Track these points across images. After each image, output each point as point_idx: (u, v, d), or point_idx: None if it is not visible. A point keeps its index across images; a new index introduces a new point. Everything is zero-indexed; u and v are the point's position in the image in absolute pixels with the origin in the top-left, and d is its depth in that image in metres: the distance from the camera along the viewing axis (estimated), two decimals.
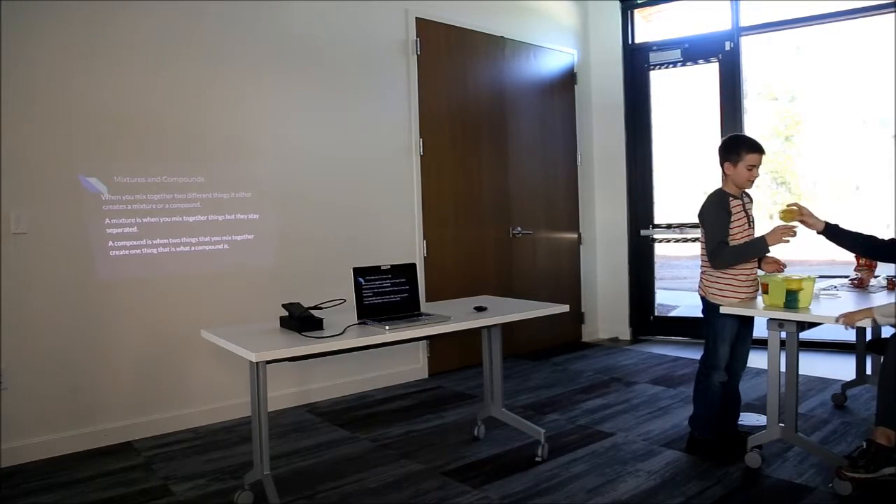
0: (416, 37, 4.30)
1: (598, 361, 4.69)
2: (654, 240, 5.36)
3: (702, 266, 2.84)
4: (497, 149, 4.79)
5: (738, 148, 2.71)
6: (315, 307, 2.55)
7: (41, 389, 2.99)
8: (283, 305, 2.46)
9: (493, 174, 4.76)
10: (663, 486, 2.52)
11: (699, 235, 2.85)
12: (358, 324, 2.43)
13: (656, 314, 5.48)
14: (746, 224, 2.75)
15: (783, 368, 2.58)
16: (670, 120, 5.65)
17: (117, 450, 3.08)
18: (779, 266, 2.76)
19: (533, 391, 3.94)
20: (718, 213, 2.71)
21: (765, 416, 2.71)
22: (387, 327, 2.35)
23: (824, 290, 2.95)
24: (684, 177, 6.11)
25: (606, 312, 5.55)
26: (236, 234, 3.56)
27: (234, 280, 3.53)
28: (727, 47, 4.91)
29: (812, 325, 2.53)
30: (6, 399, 2.89)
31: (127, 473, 2.80)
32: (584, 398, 3.76)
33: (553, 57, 5.19)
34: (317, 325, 2.36)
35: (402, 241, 4.26)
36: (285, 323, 2.46)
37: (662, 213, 5.37)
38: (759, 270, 2.79)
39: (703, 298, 2.84)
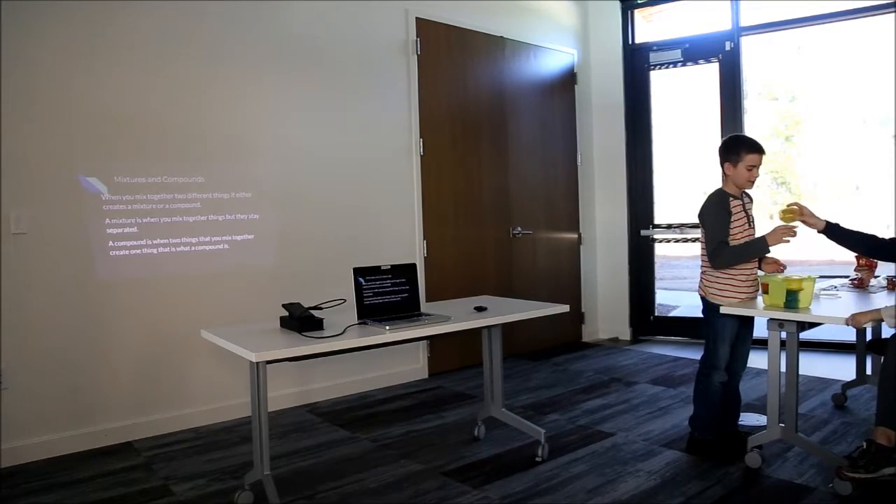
0: (416, 37, 4.30)
1: (598, 361, 4.69)
2: (654, 240, 5.36)
3: (702, 266, 2.84)
4: (497, 149, 4.79)
5: (737, 148, 2.70)
6: (315, 307, 2.55)
7: (41, 389, 2.99)
8: (284, 305, 2.46)
9: (493, 174, 4.76)
10: (663, 487, 2.52)
11: (699, 235, 2.85)
12: (358, 324, 2.43)
13: (656, 314, 5.48)
14: (747, 224, 2.75)
15: (783, 368, 2.58)
16: (670, 120, 5.65)
17: (117, 450, 3.08)
18: (779, 267, 2.76)
19: (533, 391, 3.94)
20: (719, 213, 2.71)
21: (765, 416, 2.71)
22: (387, 327, 2.35)
23: (824, 290, 2.95)
24: (684, 177, 6.11)
25: (606, 312, 5.55)
26: (236, 234, 3.56)
27: (234, 280, 3.53)
28: (727, 47, 4.91)
29: (812, 325, 2.53)
30: (6, 399, 2.89)
31: (127, 473, 2.80)
32: (584, 398, 3.76)
33: (553, 57, 5.19)
34: (317, 325, 2.36)
35: (402, 241, 4.26)
36: (285, 323, 2.46)
37: (662, 213, 5.37)
38: (759, 271, 2.79)
39: (703, 298, 2.84)
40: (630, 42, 5.38)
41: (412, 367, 4.32)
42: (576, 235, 5.41)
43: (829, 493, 2.39)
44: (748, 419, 3.18)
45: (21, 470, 2.84)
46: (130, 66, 3.21)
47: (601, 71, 5.46)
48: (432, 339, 4.21)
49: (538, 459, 2.80)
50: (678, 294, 6.74)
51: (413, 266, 2.65)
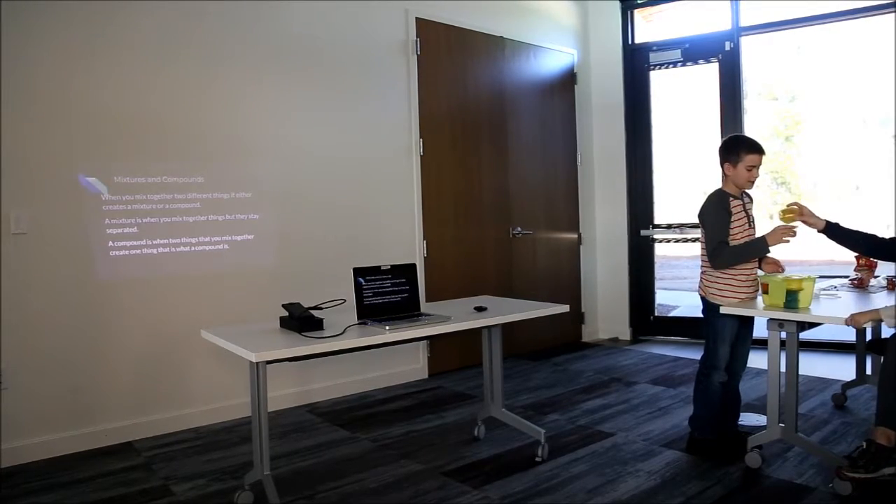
0: (416, 37, 4.30)
1: (598, 361, 4.69)
2: (654, 240, 5.36)
3: (702, 266, 2.84)
4: (497, 149, 4.79)
5: (737, 148, 2.70)
6: (315, 307, 2.55)
7: (41, 389, 2.99)
8: (283, 305, 2.46)
9: (493, 174, 4.76)
10: (663, 487, 2.52)
11: (699, 235, 2.85)
12: (358, 324, 2.43)
13: (656, 314, 5.48)
14: (747, 224, 2.75)
15: (783, 368, 2.58)
16: (670, 120, 5.65)
17: (118, 450, 3.08)
18: (778, 268, 2.76)
19: (533, 391, 3.94)
20: (719, 213, 2.71)
21: (765, 416, 2.71)
22: (387, 327, 2.35)
23: (824, 290, 2.95)
24: (684, 177, 6.11)
25: (606, 312, 5.55)
26: (236, 235, 3.56)
27: (234, 280, 3.53)
28: (727, 47, 4.91)
29: (812, 325, 2.53)
30: (6, 399, 2.89)
31: (127, 473, 2.80)
32: (584, 398, 3.76)
33: (553, 57, 5.19)
34: (317, 325, 2.36)
35: (402, 241, 4.26)
36: (285, 323, 2.46)
37: (662, 213, 5.37)
38: (758, 271, 2.79)
39: (703, 298, 2.84)
40: (630, 42, 5.38)
41: (412, 367, 4.32)
42: (576, 235, 5.41)
43: (828, 493, 2.39)
44: (748, 419, 3.18)
45: (21, 470, 2.84)
46: (130, 66, 3.21)
47: (601, 71, 5.46)
48: (432, 339, 4.21)
49: (538, 459, 2.80)
50: (678, 294, 6.74)
51: (413, 266, 2.65)
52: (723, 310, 2.66)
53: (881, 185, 4.81)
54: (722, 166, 2.77)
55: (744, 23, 4.90)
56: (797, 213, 2.66)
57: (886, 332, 3.05)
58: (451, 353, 4.47)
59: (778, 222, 2.66)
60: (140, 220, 3.25)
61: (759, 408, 3.34)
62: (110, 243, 3.17)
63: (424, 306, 2.76)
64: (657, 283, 5.53)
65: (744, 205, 2.77)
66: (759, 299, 2.69)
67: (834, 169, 8.11)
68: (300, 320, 2.36)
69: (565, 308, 2.92)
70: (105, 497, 2.57)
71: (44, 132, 2.99)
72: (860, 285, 3.09)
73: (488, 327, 2.92)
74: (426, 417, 3.49)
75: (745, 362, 2.92)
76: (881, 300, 2.73)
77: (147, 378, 3.28)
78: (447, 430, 3.27)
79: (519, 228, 4.92)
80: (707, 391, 2.82)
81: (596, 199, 5.56)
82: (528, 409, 3.55)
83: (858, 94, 7.05)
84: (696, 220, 2.83)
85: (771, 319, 2.54)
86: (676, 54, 5.17)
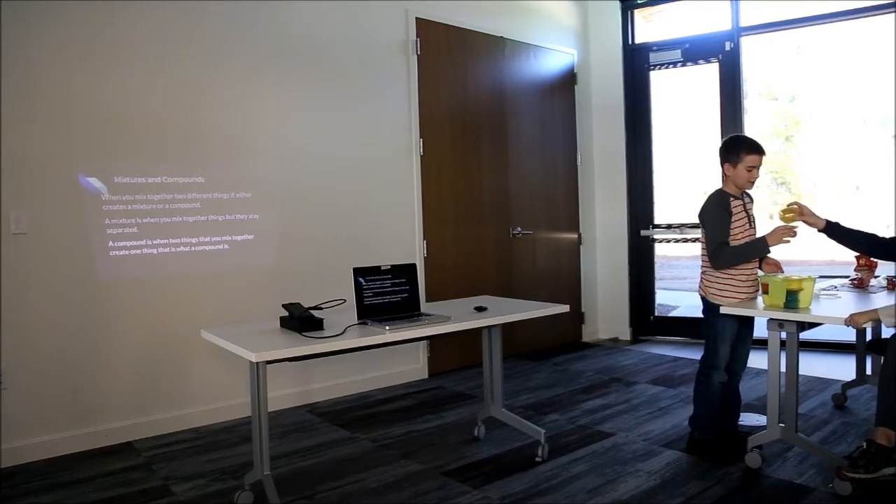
0: (416, 37, 4.30)
1: (598, 361, 4.69)
2: (654, 240, 5.36)
3: (702, 266, 2.84)
4: (497, 149, 4.79)
5: (737, 149, 2.70)
6: (315, 307, 2.55)
7: (41, 389, 2.99)
8: (284, 305, 2.46)
9: (493, 174, 4.76)
10: (663, 487, 2.52)
11: (699, 235, 2.85)
12: (358, 324, 2.43)
13: (656, 314, 5.48)
14: (747, 224, 2.75)
15: (783, 368, 2.58)
16: (670, 120, 5.65)
17: (118, 450, 3.08)
18: (778, 268, 2.77)
19: (533, 391, 3.94)
20: (719, 214, 2.71)
21: (765, 417, 2.71)
22: (387, 327, 2.35)
23: (824, 290, 2.95)
24: (684, 177, 6.11)
25: (606, 312, 5.54)
26: (236, 235, 3.56)
27: (234, 280, 3.53)
28: (727, 47, 4.91)
29: (812, 325, 2.53)
30: (6, 399, 2.89)
31: (127, 473, 2.80)
32: (584, 398, 3.76)
33: (553, 57, 5.19)
34: (317, 325, 2.36)
35: (402, 241, 4.26)
36: (285, 323, 2.46)
37: (662, 213, 5.37)
38: (759, 271, 2.79)
39: (703, 298, 2.84)
40: (630, 42, 5.38)
41: (412, 367, 4.32)
42: (576, 235, 5.41)
43: (828, 493, 2.38)
44: (748, 419, 3.18)
45: (21, 470, 2.84)
46: (130, 66, 3.21)
47: (601, 71, 5.46)
48: (432, 339, 4.20)
49: (538, 459, 2.80)
50: (678, 294, 6.74)
51: (413, 266, 2.65)
52: (723, 310, 2.66)
53: (881, 185, 4.81)
54: (722, 166, 2.77)
55: (744, 23, 4.90)
56: (797, 212, 2.67)
57: (886, 333, 3.05)
58: (451, 353, 4.47)
59: (778, 222, 2.66)
60: (140, 220, 3.25)
61: (759, 408, 3.34)
62: (110, 243, 3.17)
63: (424, 306, 2.76)
64: (657, 283, 5.53)
65: (744, 205, 2.77)
66: (759, 299, 2.69)
67: (834, 169, 8.11)
68: (300, 320, 2.36)
69: (565, 308, 2.92)
70: (105, 497, 2.57)
71: (44, 132, 2.99)
72: (860, 285, 3.09)
73: (488, 327, 2.92)
74: (426, 417, 3.49)
75: (745, 362, 2.92)
76: (881, 300, 2.72)
77: (147, 378, 3.28)
78: (447, 430, 3.27)
79: (519, 228, 4.92)
80: (707, 391, 2.82)
81: (596, 199, 5.56)
82: (528, 409, 3.55)
83: (858, 94, 7.05)
84: (696, 221, 2.83)
85: (771, 319, 2.54)
86: (676, 54, 5.17)
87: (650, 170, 5.36)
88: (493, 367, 3.02)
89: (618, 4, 5.34)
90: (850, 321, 2.33)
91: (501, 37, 4.80)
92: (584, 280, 5.44)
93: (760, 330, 2.76)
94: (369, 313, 2.48)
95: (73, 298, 3.07)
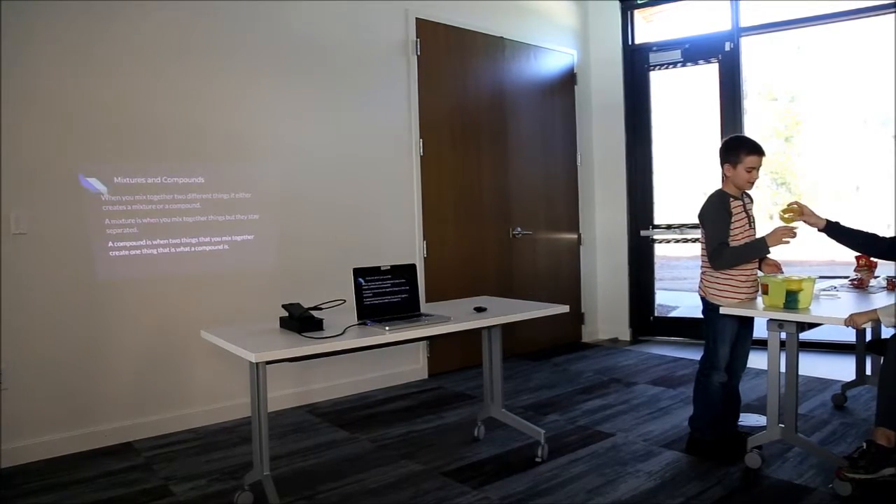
0: (416, 37, 4.30)
1: (598, 362, 4.69)
2: (654, 240, 5.36)
3: (702, 266, 2.84)
4: (497, 149, 4.79)
5: (737, 150, 2.70)
6: (315, 308, 2.55)
7: (41, 390, 2.99)
8: (283, 306, 2.46)
9: (493, 174, 4.76)
10: (663, 487, 2.52)
11: (699, 236, 2.85)
12: (358, 324, 2.43)
13: (656, 315, 5.48)
14: (747, 224, 2.75)
15: (783, 369, 2.58)
16: (670, 120, 5.65)
17: (118, 450, 3.08)
18: (778, 269, 2.77)
19: (533, 392, 3.94)
20: (719, 214, 2.71)
21: (765, 417, 2.71)
22: (387, 328, 2.35)
23: (824, 290, 2.95)
24: (684, 177, 6.11)
25: (606, 313, 5.54)
26: (236, 235, 3.56)
27: (233, 280, 3.53)
28: (727, 48, 4.91)
29: (812, 325, 2.53)
30: (6, 399, 2.89)
31: (127, 474, 2.80)
32: (584, 399, 3.76)
33: (553, 57, 5.19)
34: (317, 325, 2.36)
35: (402, 241, 4.26)
36: (285, 323, 2.46)
37: (662, 213, 5.37)
38: (758, 271, 2.79)
39: (703, 299, 2.84)
40: (630, 42, 5.38)
41: (412, 367, 4.32)
42: (576, 236, 5.41)
43: (828, 493, 2.39)
44: (748, 419, 3.18)
45: (21, 470, 2.84)
46: (131, 67, 3.21)
47: (601, 71, 5.46)
48: (432, 340, 4.20)
49: (538, 460, 2.81)
50: (678, 294, 6.74)
51: (413, 266, 2.65)
52: (723, 310, 2.66)
53: (881, 185, 4.81)
54: (722, 167, 2.77)
55: (744, 23, 4.90)
56: (797, 212, 2.67)
57: (886, 333, 3.05)
58: (451, 354, 4.47)
59: (778, 222, 2.67)
60: (140, 221, 3.25)
61: (758, 408, 3.34)
62: (110, 243, 3.17)
63: (424, 306, 2.76)
64: (657, 284, 5.53)
65: (744, 205, 2.77)
66: (759, 300, 2.69)
67: (834, 169, 8.11)
68: (300, 320, 2.36)
69: (565, 308, 2.92)
70: (105, 497, 2.57)
71: (44, 132, 2.99)
72: (860, 286, 3.09)
73: (488, 328, 2.92)
74: (426, 418, 3.49)
75: (745, 363, 2.92)
76: (881, 300, 2.72)
77: (147, 378, 3.28)
78: (447, 431, 3.27)
79: (519, 229, 4.92)
80: (707, 391, 2.82)
81: (596, 200, 5.56)
82: (528, 410, 3.55)
83: (858, 94, 7.05)
84: (696, 221, 2.83)
85: (771, 320, 2.54)
86: (676, 55, 5.17)
87: (650, 170, 5.36)
88: (492, 367, 3.02)
89: (618, 4, 5.35)
90: (850, 321, 2.33)
91: (501, 37, 4.80)
92: (583, 280, 5.44)
93: (760, 330, 2.76)
94: (369, 314, 2.48)
95: (73, 298, 3.07)
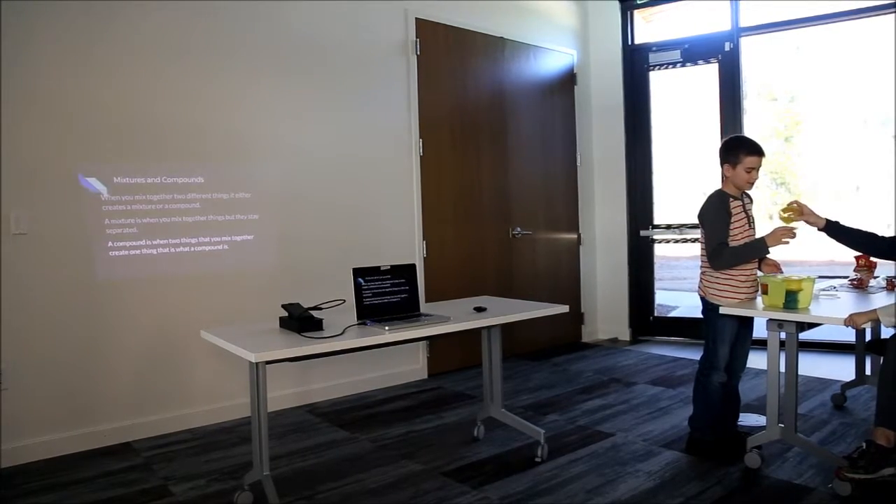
0: (416, 37, 4.30)
1: (597, 362, 4.69)
2: (653, 240, 5.36)
3: (701, 266, 2.84)
4: (497, 149, 4.79)
5: (737, 150, 2.71)
6: (315, 307, 2.55)
7: (41, 390, 2.99)
8: (283, 306, 2.46)
9: (493, 174, 4.76)
10: (663, 487, 2.52)
11: (699, 236, 2.85)
12: (358, 324, 2.43)
13: (656, 315, 5.48)
14: (747, 225, 2.76)
15: (783, 369, 2.58)
16: (670, 121, 5.64)
17: (117, 450, 3.09)
18: (777, 269, 2.77)
19: (533, 392, 3.94)
20: (719, 214, 2.71)
21: (764, 417, 2.71)
22: (386, 328, 2.35)
23: (824, 290, 2.95)
24: (684, 177, 6.11)
25: (606, 313, 5.55)
26: (236, 235, 3.56)
27: (233, 280, 3.53)
28: (727, 48, 4.91)
29: (811, 325, 2.53)
30: (6, 399, 2.89)
31: (127, 474, 2.80)
32: (583, 398, 3.76)
33: (553, 57, 5.19)
34: (316, 325, 2.36)
35: (402, 241, 4.26)
36: (285, 323, 2.46)
37: (662, 213, 5.37)
38: (758, 271, 2.79)
39: (702, 299, 2.84)
40: (629, 42, 5.38)
41: (412, 367, 4.32)
42: (575, 236, 5.41)
43: (828, 493, 2.39)
44: (748, 419, 3.18)
45: (21, 470, 2.84)
46: (131, 67, 3.21)
47: (601, 71, 5.46)
48: (432, 340, 4.20)
49: (538, 460, 2.81)
50: (678, 294, 6.74)
51: (412, 266, 2.65)
52: (722, 310, 2.66)
53: (881, 185, 4.81)
54: (722, 167, 2.77)
55: (744, 23, 4.90)
56: (797, 211, 2.67)
57: (886, 333, 3.05)
58: (451, 354, 4.47)
59: (778, 222, 2.67)
60: (140, 221, 3.25)
61: (758, 408, 3.34)
62: (110, 243, 3.17)
63: (424, 306, 2.76)
64: (657, 284, 5.53)
65: (744, 205, 2.77)
66: (759, 300, 2.69)
67: (834, 169, 8.10)
68: (300, 320, 2.36)
69: (565, 308, 2.93)
70: (105, 497, 2.57)
71: (44, 132, 2.99)
72: (860, 286, 3.09)
73: (488, 327, 2.92)
74: (426, 418, 3.49)
75: (745, 362, 2.92)
76: (880, 300, 2.72)
77: (147, 378, 3.28)
78: (447, 431, 3.27)
79: (519, 229, 4.92)
80: (706, 391, 2.82)
81: (596, 200, 5.56)
82: (528, 410, 3.55)
83: (858, 94, 7.05)
84: (696, 221, 2.83)
85: (770, 320, 2.54)
86: (676, 55, 5.17)
87: (650, 170, 5.36)
88: (492, 367, 3.02)
89: (617, 5, 5.35)
90: (850, 321, 2.33)
91: (501, 37, 4.80)
92: (583, 280, 5.44)
93: (760, 330, 2.76)
94: (369, 313, 2.48)
95: (72, 298, 3.07)
